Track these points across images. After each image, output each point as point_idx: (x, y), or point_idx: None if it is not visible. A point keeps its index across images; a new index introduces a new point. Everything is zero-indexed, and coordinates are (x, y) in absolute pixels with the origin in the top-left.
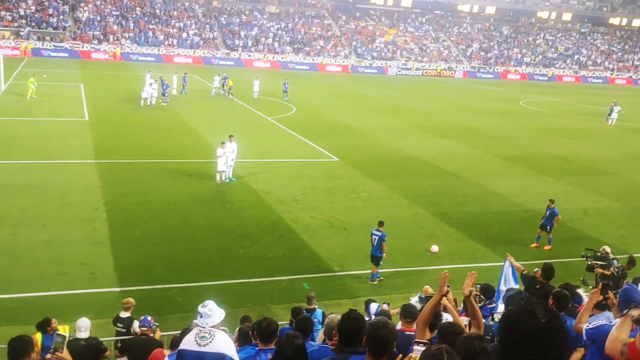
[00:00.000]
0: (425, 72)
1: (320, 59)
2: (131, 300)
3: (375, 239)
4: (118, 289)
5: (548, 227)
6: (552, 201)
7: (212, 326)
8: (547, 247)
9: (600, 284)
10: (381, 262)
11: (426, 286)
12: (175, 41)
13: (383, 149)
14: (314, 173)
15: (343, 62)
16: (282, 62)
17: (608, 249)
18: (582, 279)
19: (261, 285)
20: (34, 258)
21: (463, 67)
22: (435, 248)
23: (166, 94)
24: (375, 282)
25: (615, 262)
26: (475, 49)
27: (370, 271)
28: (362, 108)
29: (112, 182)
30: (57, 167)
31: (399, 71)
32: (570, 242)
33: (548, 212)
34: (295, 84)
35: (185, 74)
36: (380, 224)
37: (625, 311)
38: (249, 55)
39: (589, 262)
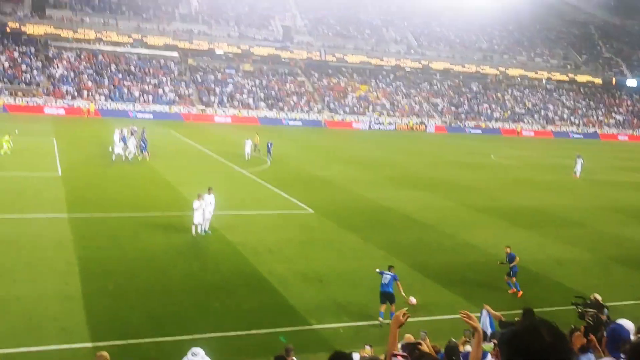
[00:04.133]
0: (398, 127)
1: (294, 114)
2: (105, 354)
3: (387, 278)
4: (90, 344)
5: (512, 272)
6: (509, 247)
7: None
8: (517, 293)
9: (583, 327)
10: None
11: (407, 334)
12: (150, 97)
13: (357, 200)
14: (289, 225)
15: (316, 117)
16: (258, 118)
17: (599, 297)
18: (572, 327)
19: (237, 339)
20: (3, 314)
21: (434, 122)
22: (413, 300)
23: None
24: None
25: (605, 310)
26: (445, 105)
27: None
28: (335, 161)
29: (85, 236)
30: (29, 221)
31: (372, 125)
32: (544, 291)
33: (508, 259)
34: (269, 138)
35: (143, 128)
36: (390, 268)
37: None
38: (224, 112)
39: (580, 310)
